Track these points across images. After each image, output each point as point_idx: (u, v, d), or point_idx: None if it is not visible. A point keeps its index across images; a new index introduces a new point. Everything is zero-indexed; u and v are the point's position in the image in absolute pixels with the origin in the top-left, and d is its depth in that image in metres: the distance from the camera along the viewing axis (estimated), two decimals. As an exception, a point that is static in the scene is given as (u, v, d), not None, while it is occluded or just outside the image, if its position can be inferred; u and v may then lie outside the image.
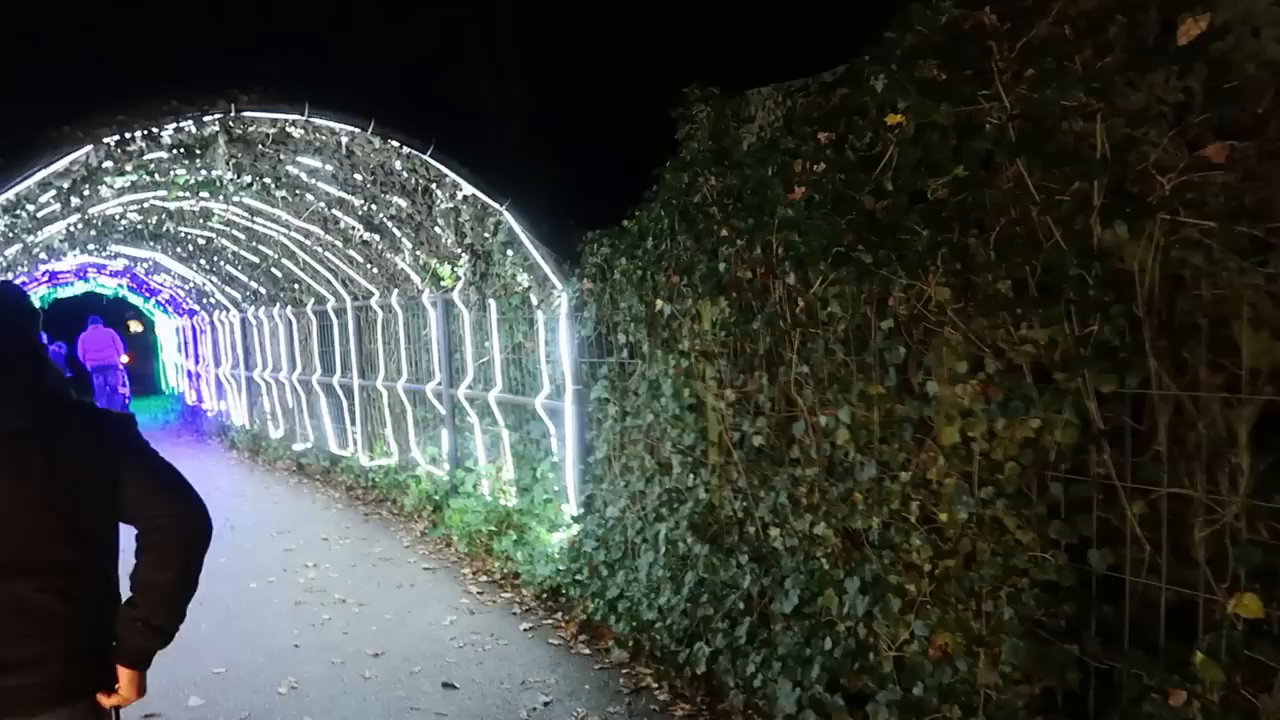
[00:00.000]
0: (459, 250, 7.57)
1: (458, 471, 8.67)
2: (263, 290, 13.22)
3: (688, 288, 5.15)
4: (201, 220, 10.43)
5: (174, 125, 5.40)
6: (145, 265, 15.98)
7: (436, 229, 7.61)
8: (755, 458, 4.83)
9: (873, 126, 3.86)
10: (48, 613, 2.27)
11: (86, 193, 6.70)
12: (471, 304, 8.40)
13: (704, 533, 5.16)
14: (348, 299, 10.94)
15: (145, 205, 9.48)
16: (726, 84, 5.16)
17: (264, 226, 10.19)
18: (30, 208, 6.20)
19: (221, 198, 8.65)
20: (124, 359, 21.26)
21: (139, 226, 11.28)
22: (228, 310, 15.89)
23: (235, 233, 10.94)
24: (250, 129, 6.07)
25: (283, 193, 8.45)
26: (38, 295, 22.54)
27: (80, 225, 9.70)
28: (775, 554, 4.68)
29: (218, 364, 17.50)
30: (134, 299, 23.36)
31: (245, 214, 9.73)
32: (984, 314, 3.36)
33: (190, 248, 12.73)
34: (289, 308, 12.80)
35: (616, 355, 6.23)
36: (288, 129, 6.15)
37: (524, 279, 7.10)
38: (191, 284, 16.18)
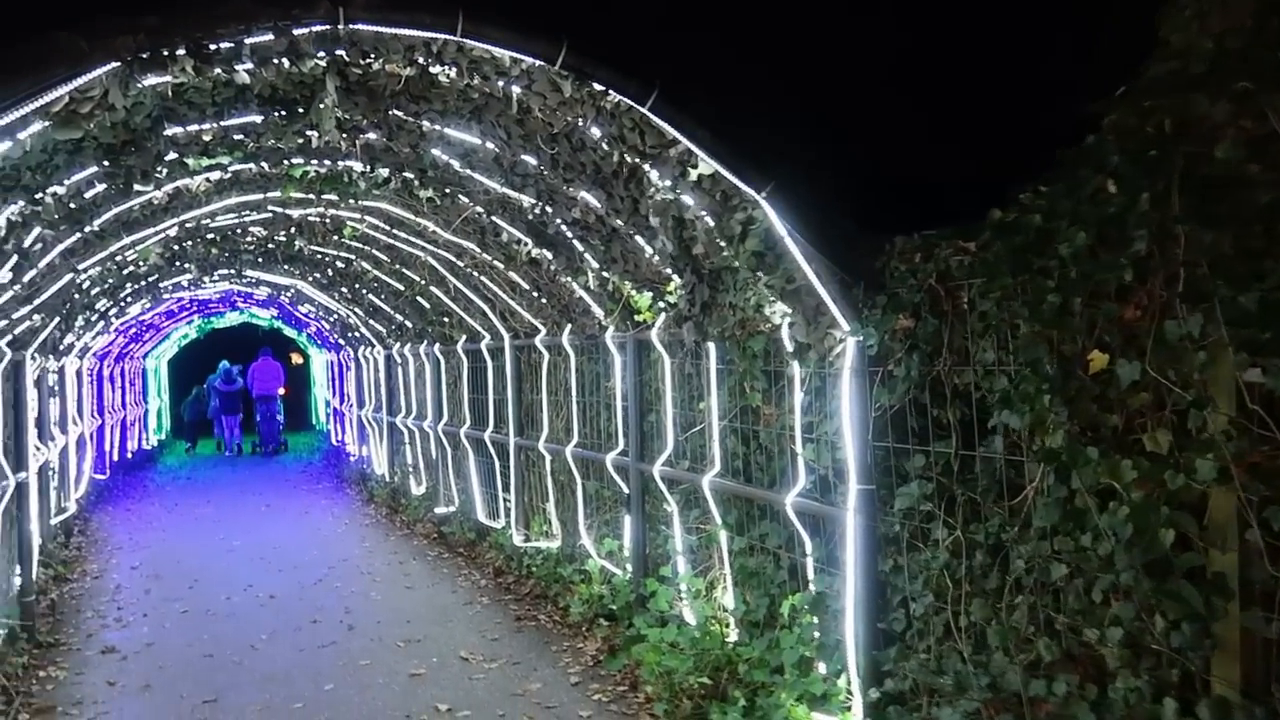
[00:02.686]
0: (672, 268, 5.15)
1: (648, 580, 6.20)
2: (409, 324, 11.28)
3: (1199, 328, 2.50)
4: (334, 235, 8.47)
5: (243, 38, 3.22)
6: (289, 294, 14.50)
7: (640, 238, 5.23)
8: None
9: None
10: None
11: (160, 172, 4.65)
12: (678, 347, 5.98)
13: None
14: (506, 336, 8.75)
15: (264, 213, 7.56)
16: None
17: (407, 244, 8.13)
18: (60, 190, 4.18)
19: (352, 200, 6.59)
20: (282, 390, 22.37)
21: (269, 246, 9.50)
22: (372, 346, 14.14)
23: (376, 252, 8.95)
24: (374, 66, 3.87)
25: (429, 192, 6.30)
26: (192, 325, 22.22)
27: (190, 240, 7.87)
28: None
29: (360, 405, 15.82)
30: (288, 331, 22.61)
31: (384, 225, 7.67)
32: None
33: (329, 273, 10.93)
34: (436, 345, 10.78)
35: (957, 442, 3.62)
36: (430, 69, 3.92)
37: (777, 311, 4.60)
38: (336, 316, 14.57)
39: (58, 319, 7.37)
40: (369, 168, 5.93)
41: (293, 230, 8.35)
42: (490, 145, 4.91)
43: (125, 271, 7.80)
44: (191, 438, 22.64)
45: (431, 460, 11.49)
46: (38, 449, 8.82)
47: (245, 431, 22.04)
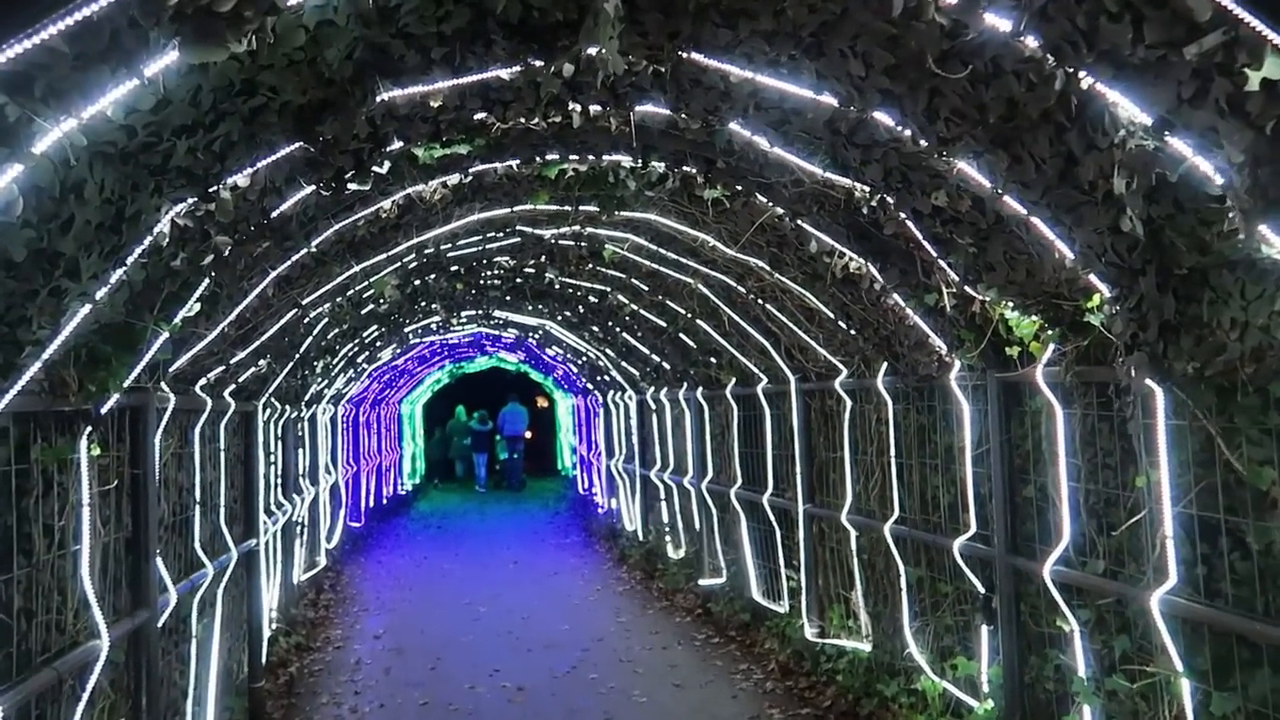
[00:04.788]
0: (1109, 272, 3.31)
1: (1036, 730, 4.29)
2: (667, 365, 9.92)
3: None
4: (588, 264, 7.21)
5: None
6: (536, 335, 13.70)
7: (1049, 229, 3.43)
8: None
9: None
10: None
11: (379, 162, 3.43)
12: (1083, 392, 4.09)
13: None
14: (792, 379, 7.11)
15: (511, 237, 6.40)
16: None
17: (675, 268, 6.71)
18: (241, 182, 2.99)
19: (617, 207, 5.23)
20: (527, 434, 24.48)
21: (516, 280, 8.45)
22: (623, 390, 12.97)
23: (636, 281, 7.63)
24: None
25: (715, 192, 4.81)
26: (444, 370, 22.53)
27: (431, 273, 6.86)
28: None
29: (609, 454, 14.70)
30: (535, 375, 22.48)
31: (650, 244, 6.29)
32: None
33: (580, 309, 9.79)
34: (700, 389, 9.32)
35: None
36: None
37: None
38: (585, 358, 13.56)
39: (290, 364, 6.51)
40: (641, 160, 4.52)
41: (543, 258, 7.18)
42: (827, 97, 3.31)
43: (364, 311, 6.88)
44: (437, 477, 24.76)
45: (693, 522, 10.01)
46: (280, 506, 8.13)
47: (491, 471, 23.94)
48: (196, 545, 4.96)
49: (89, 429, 3.37)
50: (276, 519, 7.81)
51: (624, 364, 11.55)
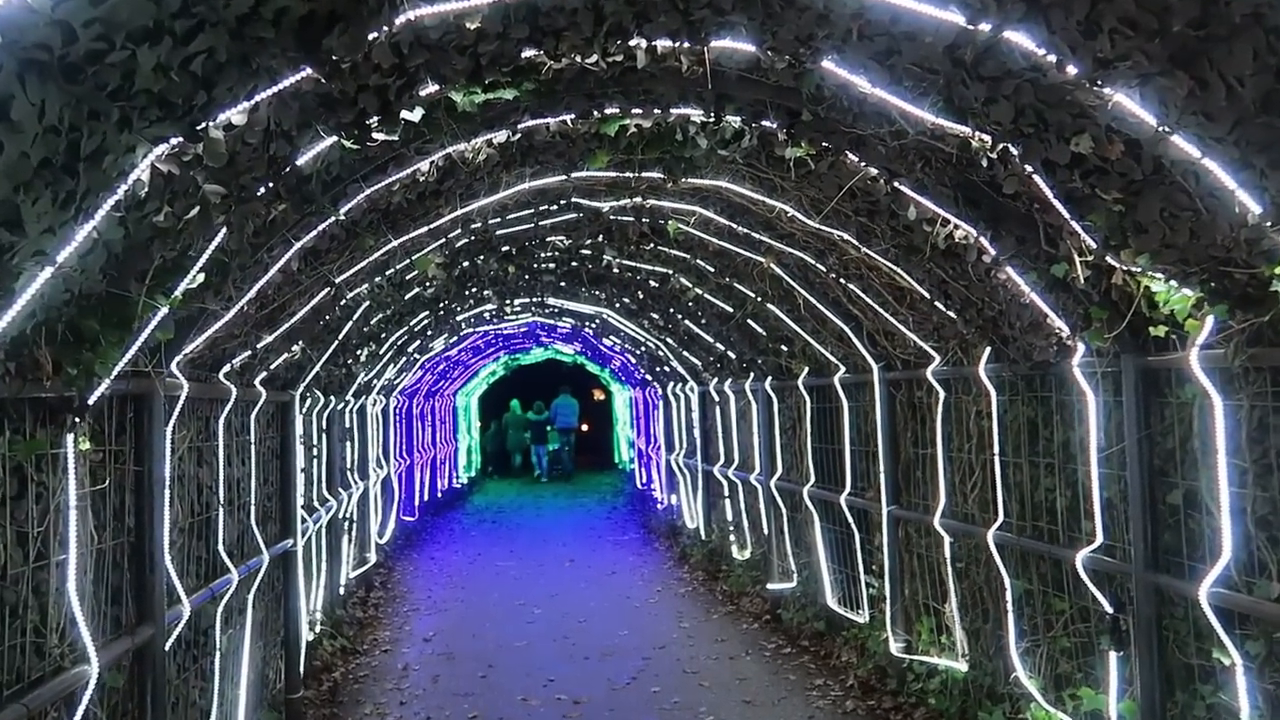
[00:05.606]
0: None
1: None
2: (732, 354, 9.29)
3: None
4: (649, 244, 6.62)
5: None
6: (593, 325, 13.16)
7: (1229, 175, 2.74)
8: None
9: None
10: None
11: (408, 103, 2.89)
12: (1251, 380, 3.39)
13: None
14: (874, 367, 6.44)
15: (566, 212, 5.85)
16: None
17: (745, 245, 6.09)
18: (235, 119, 2.45)
19: (684, 171, 4.62)
20: (583, 426, 24.99)
21: (572, 263, 7.90)
22: (684, 382, 12.37)
23: (700, 262, 7.02)
24: None
25: (799, 150, 4.18)
26: (499, 362, 22.18)
27: (480, 254, 6.33)
28: None
29: (669, 449, 14.11)
30: (591, 367, 22.02)
31: (720, 217, 5.68)
32: None
33: (640, 295, 9.21)
34: (769, 380, 8.68)
35: None
36: None
37: None
38: (643, 347, 12.98)
39: (329, 351, 6.04)
40: (714, 113, 3.91)
41: (600, 237, 6.61)
42: (952, 14, 2.67)
43: (408, 295, 6.38)
44: (491, 468, 25.58)
45: (760, 521, 9.37)
46: (323, 502, 7.70)
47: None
48: (220, 548, 4.49)
49: (75, 420, 2.88)
50: (319, 516, 7.38)
51: (685, 353, 10.94)
